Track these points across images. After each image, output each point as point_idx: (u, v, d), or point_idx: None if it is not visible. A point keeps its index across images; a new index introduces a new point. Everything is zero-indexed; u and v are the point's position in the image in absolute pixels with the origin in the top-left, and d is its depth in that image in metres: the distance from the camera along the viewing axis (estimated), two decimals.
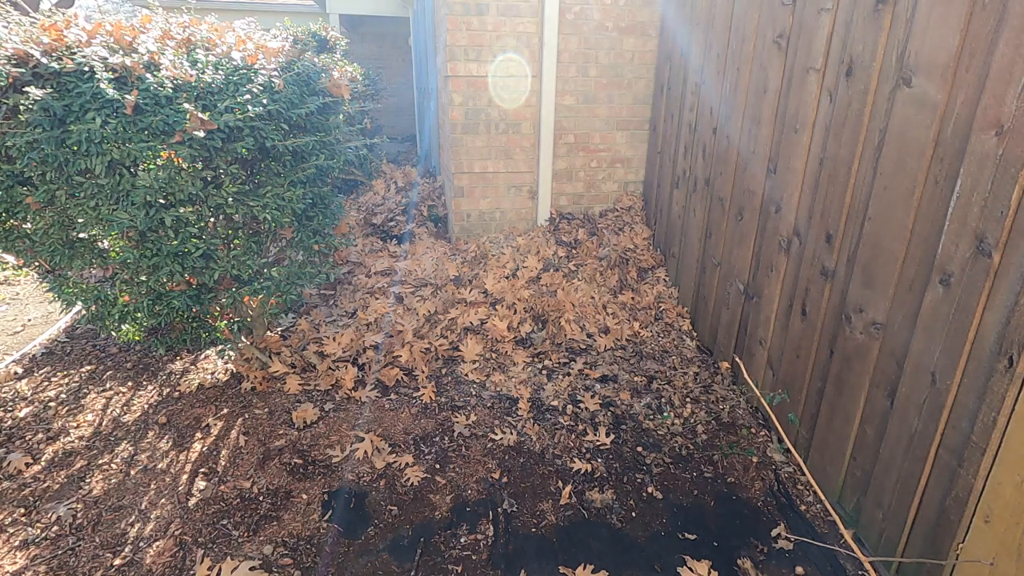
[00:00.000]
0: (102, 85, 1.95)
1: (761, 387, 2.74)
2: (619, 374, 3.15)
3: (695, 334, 3.53)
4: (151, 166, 2.13)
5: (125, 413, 2.79)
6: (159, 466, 2.42)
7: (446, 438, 2.62)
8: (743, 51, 2.81)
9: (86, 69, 1.98)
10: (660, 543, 2.10)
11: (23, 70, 1.96)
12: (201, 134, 2.05)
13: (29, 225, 2.37)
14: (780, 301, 2.57)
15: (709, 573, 1.95)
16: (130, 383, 3.04)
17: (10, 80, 1.96)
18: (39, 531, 2.10)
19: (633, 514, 2.22)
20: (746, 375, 2.91)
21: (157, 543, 2.05)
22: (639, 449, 2.56)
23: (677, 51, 3.72)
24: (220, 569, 1.92)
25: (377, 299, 3.69)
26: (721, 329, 3.18)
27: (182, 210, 2.20)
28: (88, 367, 3.22)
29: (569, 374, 3.12)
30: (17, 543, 2.05)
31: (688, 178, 3.57)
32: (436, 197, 5.70)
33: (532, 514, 2.22)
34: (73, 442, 2.58)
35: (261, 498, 2.26)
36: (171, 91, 2.05)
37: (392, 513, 2.21)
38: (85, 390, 2.98)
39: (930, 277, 1.71)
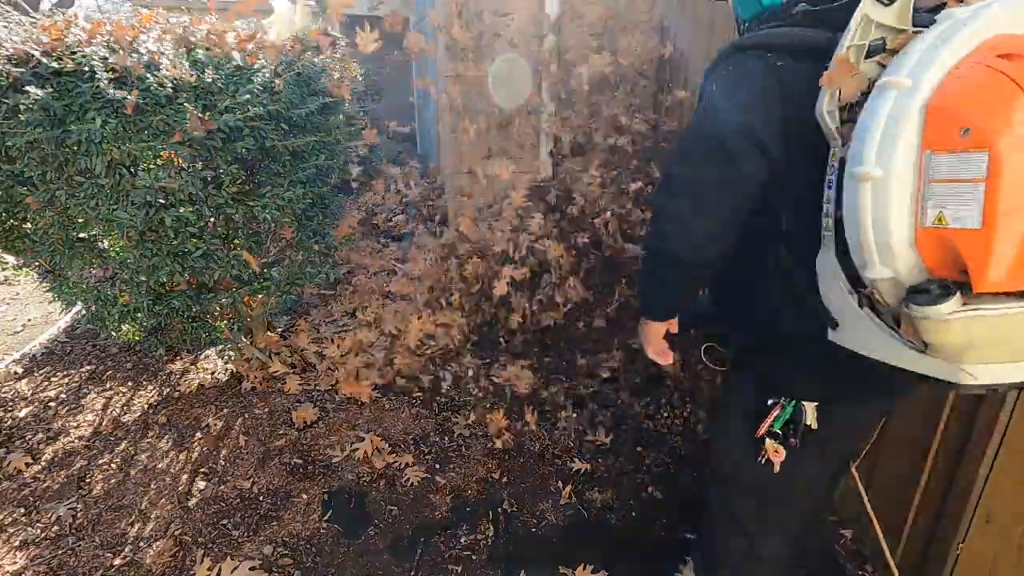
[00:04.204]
0: (102, 85, 1.94)
1: None
2: (619, 374, 3.15)
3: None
4: (151, 166, 2.13)
5: (125, 413, 2.79)
6: (159, 466, 2.42)
7: (446, 438, 2.62)
8: None
9: (86, 69, 1.98)
10: (660, 543, 2.10)
11: (23, 70, 1.96)
12: (201, 134, 2.05)
13: (29, 225, 2.37)
14: None
15: None
16: (130, 383, 3.04)
17: (10, 80, 1.96)
18: (39, 531, 2.10)
19: (633, 514, 2.22)
20: None
21: (157, 543, 2.05)
22: (639, 449, 2.56)
23: (677, 51, 3.72)
24: (220, 569, 1.92)
25: (377, 299, 3.69)
26: None
27: (182, 210, 2.20)
28: (88, 367, 3.21)
29: (569, 373, 3.12)
30: (17, 543, 2.05)
31: None
32: (436, 197, 5.70)
33: (532, 514, 2.22)
34: (73, 442, 2.58)
35: (261, 498, 2.26)
36: (171, 91, 2.05)
37: (392, 513, 2.21)
38: (85, 390, 2.98)
39: None
